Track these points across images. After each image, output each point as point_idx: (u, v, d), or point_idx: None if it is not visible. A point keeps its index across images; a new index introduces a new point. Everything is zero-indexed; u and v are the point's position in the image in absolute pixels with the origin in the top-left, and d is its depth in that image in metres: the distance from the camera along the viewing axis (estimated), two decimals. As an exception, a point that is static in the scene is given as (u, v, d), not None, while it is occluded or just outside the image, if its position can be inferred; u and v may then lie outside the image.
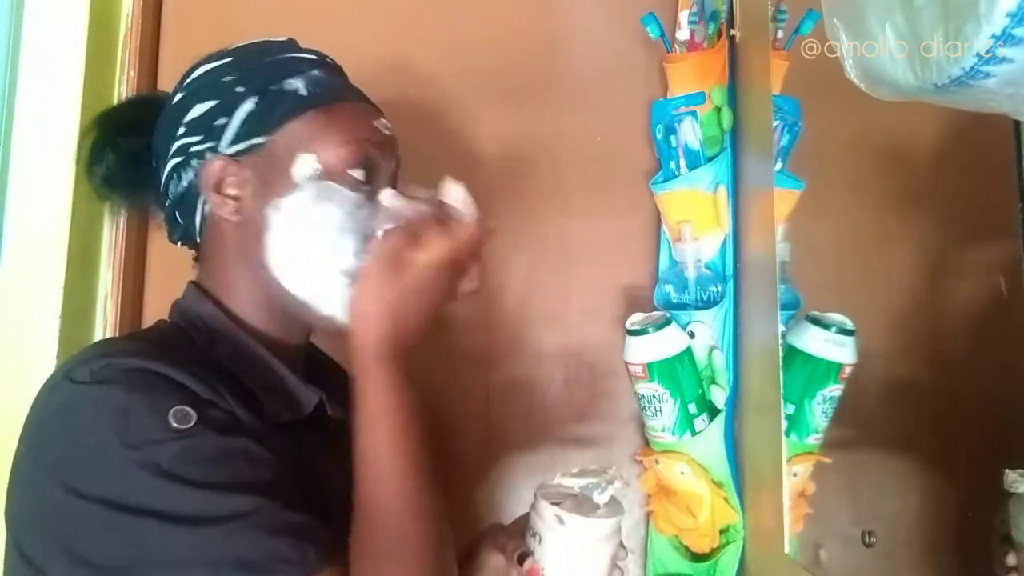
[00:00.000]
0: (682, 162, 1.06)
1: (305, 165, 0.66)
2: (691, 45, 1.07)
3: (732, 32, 1.08)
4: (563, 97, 1.18)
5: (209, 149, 0.68)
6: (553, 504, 0.69)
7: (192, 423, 0.55)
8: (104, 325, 1.13)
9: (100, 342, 0.64)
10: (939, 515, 0.92)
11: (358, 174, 0.67)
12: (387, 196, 0.68)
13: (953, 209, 0.98)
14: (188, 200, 0.70)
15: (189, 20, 1.22)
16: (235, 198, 0.67)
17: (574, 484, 0.71)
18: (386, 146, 0.71)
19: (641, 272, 1.14)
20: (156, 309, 1.17)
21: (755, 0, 0.99)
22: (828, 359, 0.90)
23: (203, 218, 0.70)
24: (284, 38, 0.74)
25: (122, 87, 1.17)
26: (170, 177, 0.70)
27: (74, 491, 0.53)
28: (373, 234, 0.66)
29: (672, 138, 1.06)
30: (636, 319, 1.01)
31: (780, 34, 0.98)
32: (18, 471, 0.57)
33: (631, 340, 1.00)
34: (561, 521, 0.68)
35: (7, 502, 0.58)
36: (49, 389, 0.58)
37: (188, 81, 0.71)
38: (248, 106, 0.67)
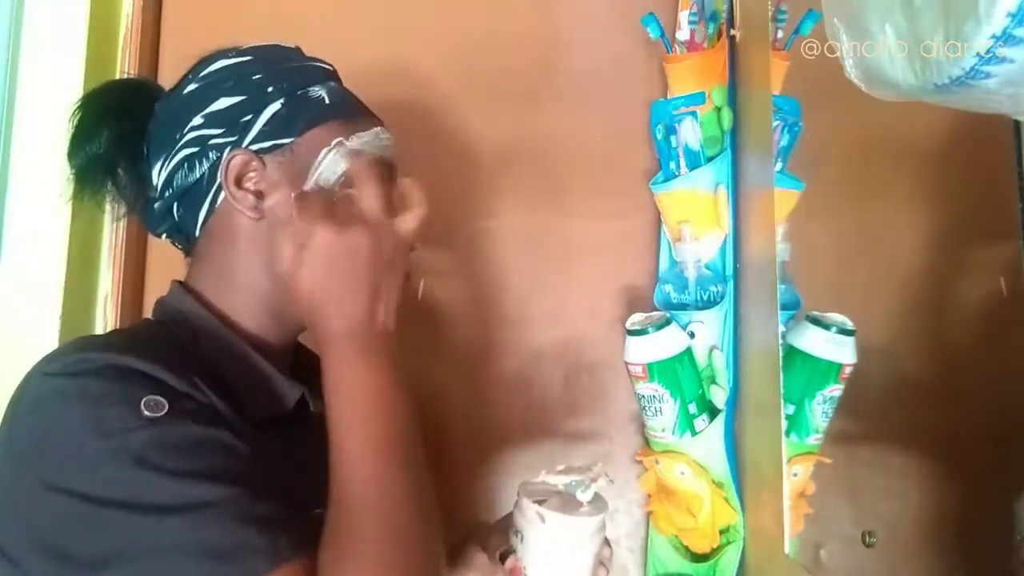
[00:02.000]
0: (682, 162, 1.06)
1: (327, 172, 0.68)
2: (691, 45, 1.07)
3: (732, 32, 1.08)
4: (563, 97, 1.18)
5: (231, 144, 0.68)
6: (536, 502, 0.68)
7: (164, 411, 0.54)
8: (104, 325, 1.13)
9: (77, 339, 0.64)
10: (940, 515, 0.92)
11: None
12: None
13: (953, 209, 0.98)
14: (196, 192, 0.69)
15: (189, 20, 1.22)
16: (256, 194, 0.68)
17: (558, 482, 0.71)
18: (394, 161, 0.73)
19: (641, 272, 1.14)
20: (156, 309, 1.17)
21: (755, 0, 0.99)
22: (828, 359, 0.90)
23: (209, 212, 0.70)
24: (292, 45, 0.75)
25: (122, 87, 1.17)
26: (179, 167, 0.69)
27: (49, 484, 0.53)
28: None
29: (672, 138, 1.06)
30: (636, 319, 1.01)
31: (780, 34, 0.98)
32: None
33: (631, 340, 1.00)
34: (543, 519, 0.67)
35: None
36: (23, 384, 0.58)
37: (205, 73, 0.70)
38: (276, 107, 0.68)
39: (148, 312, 1.14)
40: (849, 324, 0.90)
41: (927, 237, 0.99)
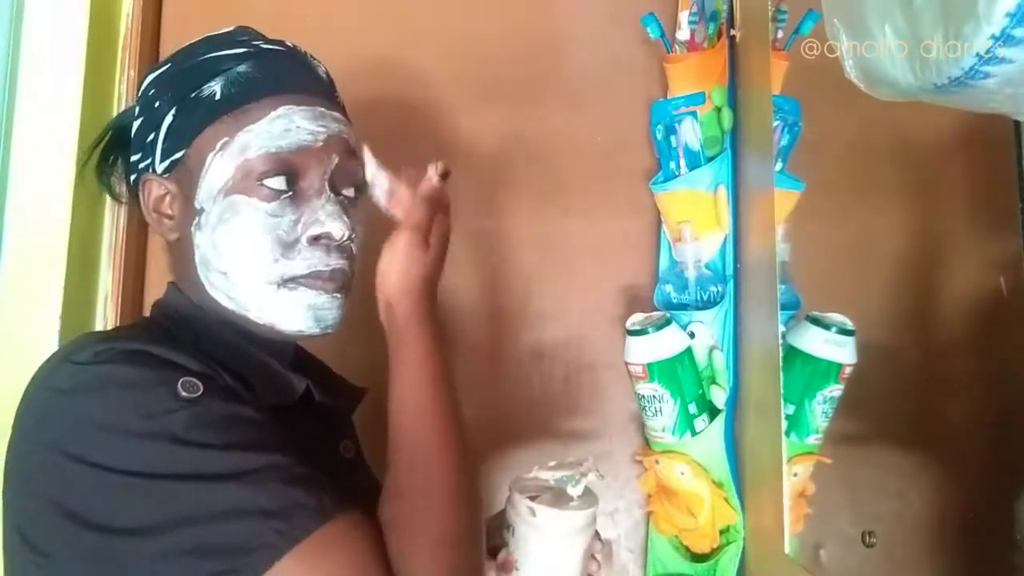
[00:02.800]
0: (682, 162, 1.06)
1: (214, 180, 0.65)
2: (691, 45, 1.07)
3: (732, 32, 1.08)
4: (563, 97, 1.18)
5: (148, 167, 0.69)
6: (527, 497, 0.70)
7: (200, 392, 0.56)
8: (104, 325, 1.13)
9: (94, 332, 0.65)
10: (940, 515, 0.92)
11: (275, 182, 0.65)
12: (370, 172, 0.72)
13: (953, 209, 0.98)
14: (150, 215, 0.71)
15: (189, 20, 1.22)
16: (169, 216, 0.69)
17: (549, 477, 0.72)
18: (315, 146, 0.67)
19: (641, 272, 1.14)
20: (156, 309, 1.17)
21: (755, 0, 0.99)
22: (828, 359, 0.90)
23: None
24: (230, 28, 0.73)
25: (122, 87, 1.17)
26: (134, 193, 0.72)
27: (91, 463, 0.53)
28: (299, 239, 0.65)
29: (672, 138, 1.06)
30: (636, 319, 1.01)
31: (780, 34, 0.98)
32: (20, 456, 0.57)
33: (631, 340, 1.00)
34: (533, 513, 0.68)
35: (6, 492, 0.58)
36: (48, 373, 0.59)
37: (139, 94, 0.71)
38: (168, 119, 0.67)
39: (148, 312, 1.17)
40: (849, 324, 0.90)
41: (927, 237, 0.99)
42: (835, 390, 0.91)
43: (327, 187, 0.67)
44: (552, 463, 0.74)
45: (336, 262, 0.67)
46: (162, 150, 0.67)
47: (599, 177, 1.17)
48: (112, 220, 1.14)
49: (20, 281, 1.08)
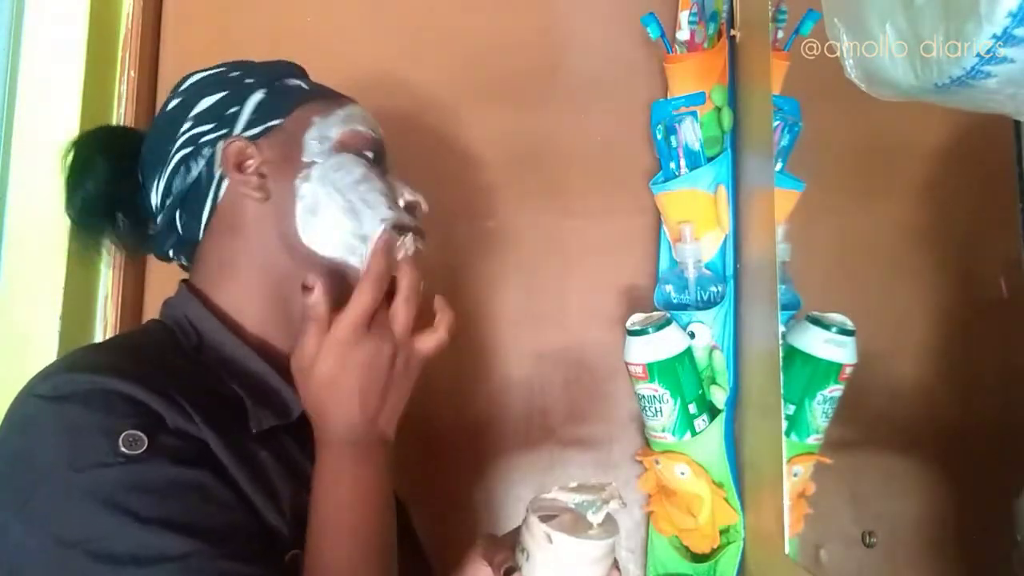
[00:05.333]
0: (682, 162, 1.06)
1: (323, 139, 0.70)
2: (691, 45, 1.07)
3: (732, 32, 1.08)
4: (563, 97, 1.18)
5: (222, 136, 0.69)
6: (544, 520, 0.65)
7: (143, 448, 0.53)
8: (104, 325, 1.13)
9: (72, 353, 0.63)
10: (940, 515, 0.92)
11: (369, 155, 0.72)
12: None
13: (953, 209, 0.98)
14: (196, 192, 0.70)
15: (189, 21, 1.22)
16: (259, 175, 0.69)
17: (569, 500, 0.68)
18: (378, 134, 0.75)
19: (641, 272, 1.14)
20: (156, 309, 1.15)
21: (755, 0, 0.99)
22: (828, 359, 0.90)
23: (212, 209, 0.70)
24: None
25: (122, 87, 1.17)
26: (176, 171, 0.70)
27: (17, 512, 0.52)
28: (395, 203, 0.72)
29: (672, 138, 1.06)
30: (636, 319, 1.01)
31: (780, 34, 0.98)
32: None
33: (631, 340, 1.00)
34: (550, 540, 0.64)
35: None
36: (16, 400, 0.57)
37: (184, 87, 0.73)
38: (259, 95, 0.71)
39: (148, 312, 1.17)
40: (849, 324, 0.90)
41: (927, 237, 0.99)
42: (835, 390, 0.91)
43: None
44: (573, 484, 0.69)
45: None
46: (249, 120, 0.70)
47: (599, 177, 1.17)
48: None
49: (20, 281, 1.08)
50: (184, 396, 0.58)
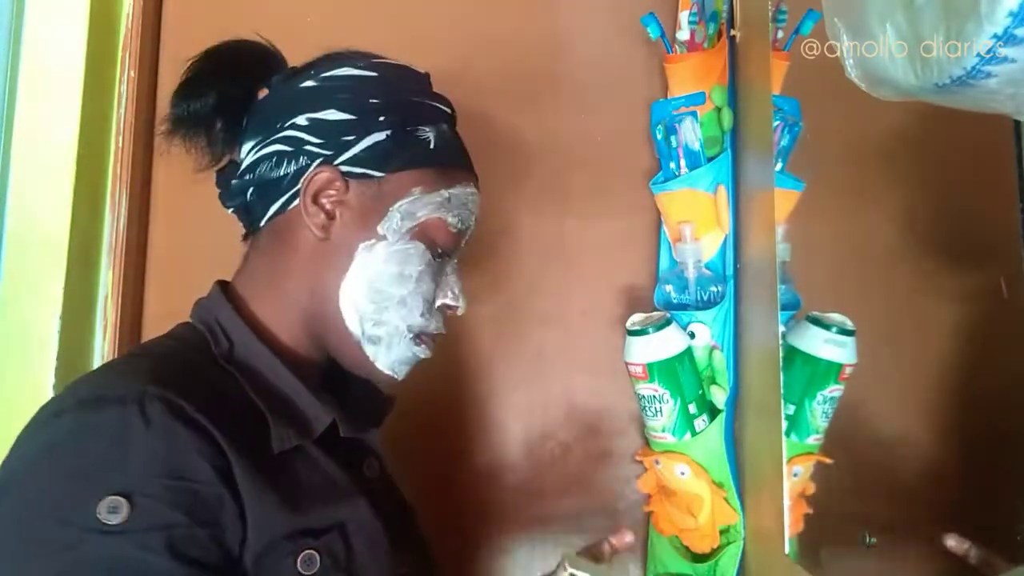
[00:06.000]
0: (682, 162, 1.06)
1: (406, 218, 0.68)
2: (691, 45, 1.07)
3: (732, 32, 1.08)
4: (563, 97, 1.18)
5: (325, 157, 0.67)
6: None
7: (120, 519, 0.50)
8: (104, 325, 1.13)
9: (94, 373, 0.61)
10: (940, 515, 0.92)
11: (440, 251, 0.71)
12: None
13: (953, 209, 0.98)
14: (274, 188, 0.68)
15: (189, 20, 1.22)
16: (329, 214, 0.67)
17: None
18: (470, 223, 0.75)
19: (641, 272, 1.14)
20: (156, 309, 1.17)
21: (755, 0, 0.99)
22: (828, 359, 0.90)
23: (279, 211, 0.68)
24: (423, 71, 0.75)
25: (122, 87, 1.17)
26: (267, 158, 0.68)
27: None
28: (431, 307, 0.70)
29: (672, 138, 1.06)
30: (636, 319, 1.01)
31: (780, 34, 0.98)
32: None
33: (631, 340, 1.00)
34: None
35: None
36: (35, 420, 0.56)
37: (328, 75, 0.69)
38: (381, 136, 0.67)
39: (148, 312, 1.17)
40: (849, 324, 0.90)
41: (927, 237, 0.99)
42: (835, 390, 0.91)
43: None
44: (591, 561, 0.71)
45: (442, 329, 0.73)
46: (356, 156, 0.67)
47: (599, 177, 1.17)
48: (112, 220, 1.14)
49: (20, 281, 1.08)
50: (213, 419, 0.56)
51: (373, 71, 0.70)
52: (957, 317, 0.95)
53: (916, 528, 0.93)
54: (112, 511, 0.49)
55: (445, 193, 0.70)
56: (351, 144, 0.67)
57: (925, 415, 0.95)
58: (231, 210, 0.73)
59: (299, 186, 0.67)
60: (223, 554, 0.54)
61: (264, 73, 0.72)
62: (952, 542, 0.79)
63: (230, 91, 0.70)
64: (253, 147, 0.69)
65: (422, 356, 0.71)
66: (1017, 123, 0.85)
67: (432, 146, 0.69)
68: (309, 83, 0.69)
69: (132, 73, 1.17)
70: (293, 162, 0.67)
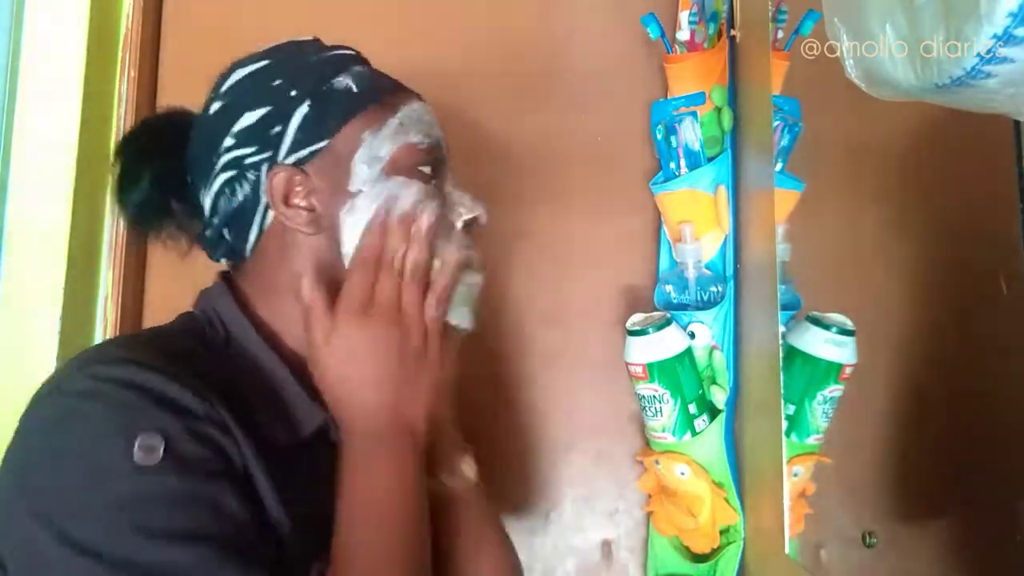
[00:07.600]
0: (682, 162, 1.06)
1: (371, 163, 0.66)
2: (691, 45, 1.07)
3: (732, 32, 1.08)
4: (563, 97, 1.18)
5: (267, 160, 0.65)
6: None
7: (157, 459, 0.51)
8: (104, 325, 1.13)
9: (98, 346, 0.61)
10: (940, 515, 0.92)
11: (426, 169, 0.68)
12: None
13: (953, 209, 0.98)
14: (242, 216, 0.67)
15: (189, 20, 1.22)
16: (308, 208, 0.65)
17: None
18: (438, 137, 0.71)
19: (641, 272, 1.14)
20: (156, 309, 1.17)
21: (755, 0, 0.99)
22: (828, 359, 0.90)
23: (260, 233, 0.67)
24: (310, 37, 0.73)
25: (122, 87, 1.17)
26: (220, 193, 0.67)
27: (31, 511, 0.51)
28: (453, 225, 0.69)
29: (672, 138, 1.06)
30: (636, 319, 1.01)
31: (780, 34, 0.98)
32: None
33: (631, 340, 1.00)
34: None
35: None
36: (36, 400, 0.56)
37: (226, 88, 0.68)
38: (303, 110, 0.65)
39: (148, 312, 1.17)
40: (849, 324, 0.90)
41: (927, 237, 0.99)
42: (835, 390, 0.91)
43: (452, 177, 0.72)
44: None
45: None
46: (294, 141, 0.65)
47: (599, 177, 1.17)
48: (112, 220, 1.14)
49: (20, 281, 1.08)
50: (213, 389, 0.57)
51: (262, 60, 0.69)
52: (957, 317, 0.95)
53: (916, 528, 0.93)
54: (149, 451, 0.51)
55: (393, 121, 0.67)
56: (282, 134, 0.65)
57: (925, 415, 0.95)
58: (222, 260, 0.73)
59: (264, 200, 0.66)
60: (243, 471, 0.57)
61: (184, 133, 0.71)
62: None
63: (160, 165, 0.70)
64: (204, 192, 0.68)
65: (474, 282, 0.71)
66: (1017, 123, 0.85)
67: (356, 89, 0.67)
68: (215, 105, 0.68)
69: (132, 73, 1.17)
70: (244, 182, 0.66)
